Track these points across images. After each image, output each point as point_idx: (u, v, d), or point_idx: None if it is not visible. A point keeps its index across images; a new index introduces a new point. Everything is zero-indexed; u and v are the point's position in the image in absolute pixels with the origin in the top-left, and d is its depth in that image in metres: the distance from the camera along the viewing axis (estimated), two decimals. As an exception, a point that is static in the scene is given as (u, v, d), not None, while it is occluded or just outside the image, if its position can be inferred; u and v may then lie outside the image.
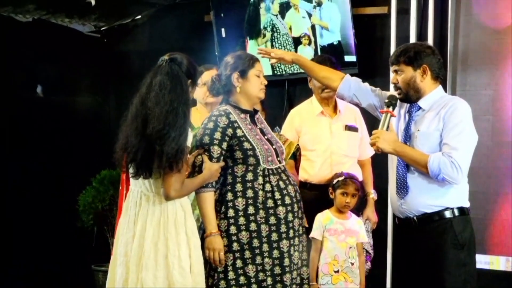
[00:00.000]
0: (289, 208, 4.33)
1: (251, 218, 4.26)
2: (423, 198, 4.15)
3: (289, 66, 6.85)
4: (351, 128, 5.45)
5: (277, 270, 4.28)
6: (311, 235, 5.11)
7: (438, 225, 4.13)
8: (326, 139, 5.43)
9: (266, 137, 4.45)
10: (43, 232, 7.15)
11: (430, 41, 6.28)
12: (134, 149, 4.12)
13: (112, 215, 7.45)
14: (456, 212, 4.13)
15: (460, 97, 4.22)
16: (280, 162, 4.41)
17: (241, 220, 4.25)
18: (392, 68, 4.24)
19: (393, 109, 4.19)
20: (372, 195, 5.52)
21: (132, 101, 4.19)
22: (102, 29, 7.92)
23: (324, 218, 5.12)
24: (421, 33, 6.35)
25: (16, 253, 7.05)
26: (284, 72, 6.97)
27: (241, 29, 7.10)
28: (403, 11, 6.48)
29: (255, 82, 4.47)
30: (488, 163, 5.88)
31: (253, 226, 4.26)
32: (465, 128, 4.08)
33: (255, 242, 4.26)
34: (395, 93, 4.25)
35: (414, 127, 4.21)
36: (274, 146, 4.42)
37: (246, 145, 4.31)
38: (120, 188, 4.83)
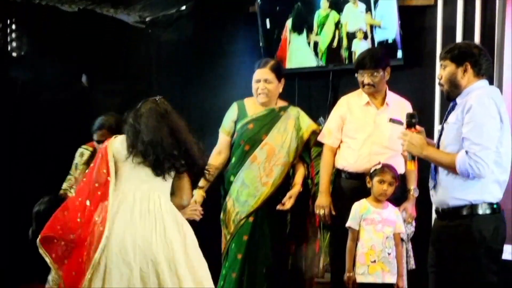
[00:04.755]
0: None
1: None
2: (447, 192, 4.25)
3: (333, 58, 6.79)
4: (395, 121, 5.40)
5: None
6: (347, 224, 5.07)
7: (459, 220, 4.21)
8: (368, 128, 5.40)
9: None
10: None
11: (477, 31, 6.16)
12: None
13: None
14: (479, 209, 4.18)
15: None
16: None
17: None
18: (439, 63, 4.40)
19: (415, 126, 4.41)
20: (413, 192, 5.41)
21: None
22: (147, 19, 7.93)
23: (361, 208, 5.08)
24: (468, 23, 6.23)
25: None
26: (329, 63, 6.90)
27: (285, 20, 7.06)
28: (449, 1, 6.37)
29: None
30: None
31: None
32: (484, 122, 4.12)
33: None
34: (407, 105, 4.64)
35: (446, 121, 4.35)
36: None
37: None
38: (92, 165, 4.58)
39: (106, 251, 4.15)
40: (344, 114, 5.48)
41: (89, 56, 7.55)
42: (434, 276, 4.37)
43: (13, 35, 7.39)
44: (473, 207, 4.17)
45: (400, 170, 5.31)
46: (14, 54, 7.38)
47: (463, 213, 4.19)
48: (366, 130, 5.40)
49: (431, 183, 4.43)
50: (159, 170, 4.38)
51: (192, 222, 5.33)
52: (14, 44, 7.38)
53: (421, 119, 4.69)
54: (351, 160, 5.39)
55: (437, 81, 4.49)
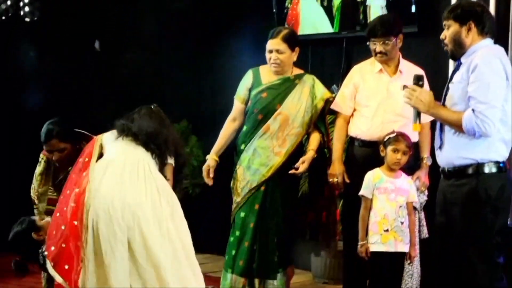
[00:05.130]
0: None
1: None
2: (453, 151, 4.27)
3: (348, 25, 6.73)
4: None
5: None
6: (360, 193, 5.06)
7: (465, 179, 4.24)
8: (381, 96, 5.38)
9: None
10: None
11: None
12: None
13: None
14: (485, 168, 4.21)
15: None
16: None
17: None
18: (443, 24, 4.41)
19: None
20: (426, 160, 5.39)
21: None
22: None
23: (374, 176, 5.06)
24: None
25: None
26: (342, 31, 6.84)
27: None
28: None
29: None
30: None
31: None
32: (489, 81, 4.13)
33: None
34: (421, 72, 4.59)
35: (451, 80, 4.36)
36: None
37: None
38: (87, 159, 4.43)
39: (92, 211, 4.07)
40: (357, 82, 5.45)
41: (100, 22, 7.54)
42: (440, 237, 4.41)
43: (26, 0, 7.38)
44: (479, 166, 4.20)
45: (414, 138, 5.30)
46: (27, 19, 7.37)
47: (469, 172, 4.22)
48: (379, 98, 5.37)
49: (437, 143, 4.45)
50: (151, 145, 4.36)
51: (205, 186, 5.34)
52: (26, 9, 7.36)
53: (436, 86, 4.67)
54: (364, 128, 5.37)
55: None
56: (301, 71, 5.55)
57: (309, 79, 5.50)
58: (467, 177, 4.22)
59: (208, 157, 5.47)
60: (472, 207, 4.20)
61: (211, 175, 5.41)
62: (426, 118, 5.40)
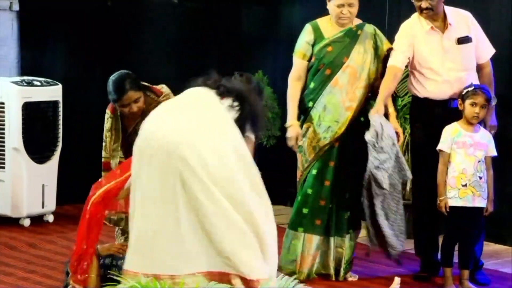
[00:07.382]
0: None
1: None
2: None
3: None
4: (463, 41, 5.24)
5: None
6: (438, 147, 5.01)
7: None
8: (439, 56, 5.26)
9: None
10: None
11: None
12: None
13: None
14: None
15: None
16: None
17: None
18: None
19: None
20: (491, 100, 5.20)
21: None
22: None
23: (452, 131, 5.00)
24: None
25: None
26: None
27: None
28: None
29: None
30: None
31: None
32: None
33: None
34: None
35: None
36: None
37: None
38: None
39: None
40: (412, 43, 5.28)
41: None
42: None
43: None
44: None
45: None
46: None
47: None
48: (437, 58, 5.25)
49: None
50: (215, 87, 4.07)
51: (280, 138, 5.30)
52: None
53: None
54: (432, 89, 5.25)
55: None
56: (360, 21, 5.41)
57: (369, 28, 5.35)
58: None
59: (288, 124, 5.35)
60: None
61: (300, 143, 5.34)
62: (486, 56, 5.33)
